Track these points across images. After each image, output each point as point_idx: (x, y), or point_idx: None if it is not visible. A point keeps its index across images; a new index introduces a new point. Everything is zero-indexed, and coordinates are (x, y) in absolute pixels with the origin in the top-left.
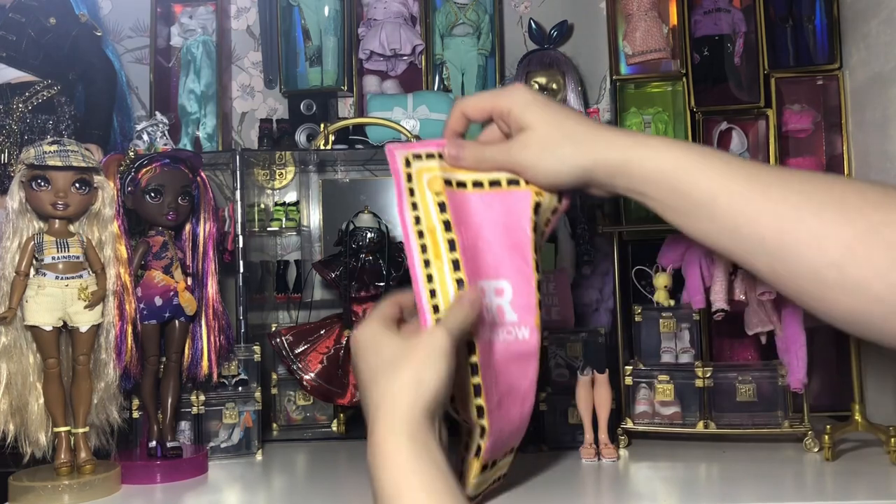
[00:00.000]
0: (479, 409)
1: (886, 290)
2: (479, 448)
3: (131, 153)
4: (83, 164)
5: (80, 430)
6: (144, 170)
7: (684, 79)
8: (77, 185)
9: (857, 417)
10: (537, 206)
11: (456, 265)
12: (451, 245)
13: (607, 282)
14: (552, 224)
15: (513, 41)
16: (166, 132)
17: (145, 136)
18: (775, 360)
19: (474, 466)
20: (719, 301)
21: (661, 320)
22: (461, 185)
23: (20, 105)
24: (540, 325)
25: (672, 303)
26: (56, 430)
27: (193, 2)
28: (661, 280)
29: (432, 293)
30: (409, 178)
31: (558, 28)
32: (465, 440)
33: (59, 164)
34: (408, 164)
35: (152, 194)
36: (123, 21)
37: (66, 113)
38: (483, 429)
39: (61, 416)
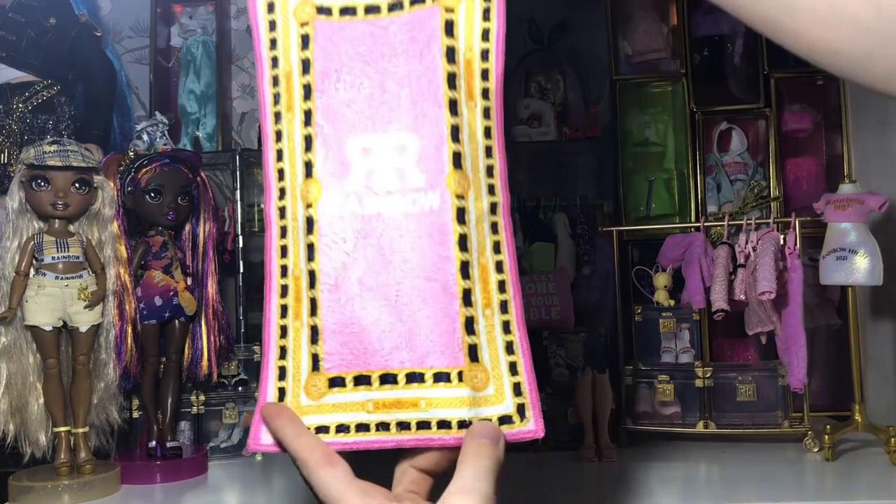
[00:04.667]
0: (313, 303)
1: (877, 21)
2: (316, 357)
3: (131, 153)
4: (83, 164)
5: (80, 430)
6: (144, 170)
7: (684, 79)
8: (77, 184)
9: (858, 417)
10: (449, 26)
11: (307, 118)
12: (307, 91)
13: (607, 282)
14: (496, 54)
15: (513, 41)
16: (166, 132)
17: (145, 136)
18: (775, 360)
19: (316, 383)
20: (719, 301)
21: (661, 320)
22: (347, 11)
23: (20, 105)
24: (461, 186)
25: (672, 303)
26: (56, 430)
27: (193, 2)
28: (661, 280)
29: (279, 155)
30: (271, 7)
31: (558, 28)
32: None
33: (59, 164)
34: None
35: (152, 194)
36: (123, 21)
37: (65, 113)
38: (316, 328)
39: (61, 416)
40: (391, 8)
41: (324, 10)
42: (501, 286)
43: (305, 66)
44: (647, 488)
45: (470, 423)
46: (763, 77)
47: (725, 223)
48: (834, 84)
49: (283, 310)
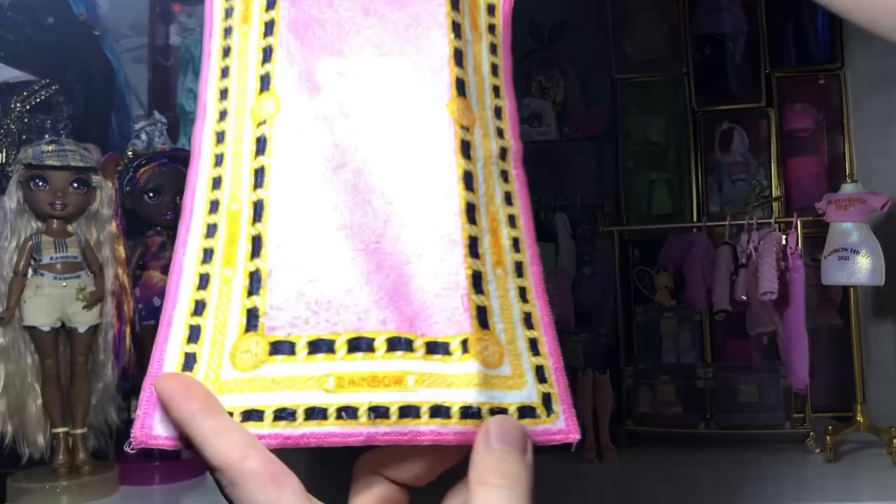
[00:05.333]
0: (256, 241)
1: None
2: (255, 313)
3: (129, 153)
4: (81, 164)
5: (79, 432)
6: (143, 169)
7: (685, 78)
8: (75, 184)
9: (860, 418)
10: None
11: (268, 29)
12: (270, 2)
13: (608, 282)
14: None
15: (513, 40)
16: (165, 132)
17: (143, 136)
18: (777, 360)
19: (249, 348)
20: (721, 301)
21: (662, 321)
22: None
23: (18, 104)
24: (465, 116)
25: (673, 303)
26: (54, 431)
27: (192, 0)
28: (662, 280)
29: (224, 72)
30: None
31: (559, 27)
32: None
33: (57, 163)
34: None
35: (151, 194)
36: (122, 20)
37: (64, 112)
38: (258, 274)
39: (59, 417)
40: None
41: None
42: (515, 244)
43: None
44: (647, 489)
45: (479, 411)
46: (764, 76)
47: (727, 223)
48: (835, 83)
49: (207, 254)
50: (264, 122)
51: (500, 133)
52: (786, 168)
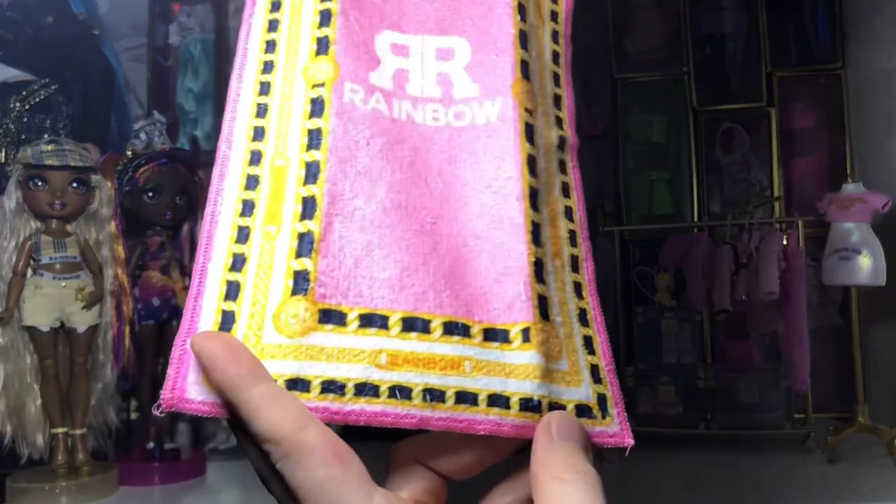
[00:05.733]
0: (309, 203)
1: None
2: (304, 276)
3: (129, 152)
4: (80, 164)
5: (78, 432)
6: (142, 169)
7: (686, 78)
8: (74, 184)
9: (861, 419)
10: None
11: (325, 19)
12: None
13: (608, 282)
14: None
15: None
16: (164, 131)
17: (143, 136)
18: (778, 360)
19: (297, 312)
20: (721, 301)
21: (662, 321)
22: None
23: (17, 104)
24: (529, 100)
25: (674, 303)
26: (53, 431)
27: (192, 0)
28: (663, 280)
29: (271, 25)
30: None
31: None
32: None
33: (56, 163)
34: None
35: (150, 194)
36: (121, 20)
37: (63, 112)
38: (311, 236)
39: (59, 417)
40: None
41: None
42: (572, 237)
43: None
44: (647, 490)
45: (539, 404)
46: (765, 76)
47: (728, 223)
48: (836, 83)
49: (247, 207)
50: (321, 84)
51: (559, 122)
52: (786, 168)
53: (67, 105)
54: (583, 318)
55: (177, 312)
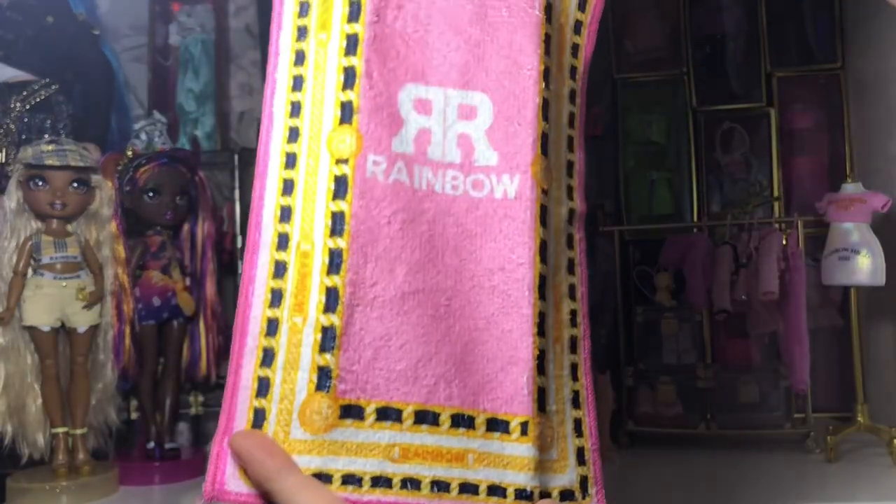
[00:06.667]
0: (331, 294)
1: None
2: (327, 372)
3: (129, 152)
4: (81, 164)
5: (78, 432)
6: (142, 169)
7: (686, 78)
8: (75, 184)
9: (860, 418)
10: None
11: (351, 45)
12: (354, 9)
13: (608, 282)
14: (589, 31)
15: None
16: (164, 131)
17: (143, 136)
18: (777, 360)
19: (321, 410)
20: (721, 301)
21: (662, 321)
22: None
23: (17, 104)
24: (546, 178)
25: (674, 303)
26: (54, 431)
27: (192, 0)
28: (663, 280)
29: (296, 83)
30: None
31: None
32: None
33: (57, 163)
34: None
35: (150, 194)
36: (121, 20)
37: (63, 112)
38: (333, 331)
39: (59, 417)
40: None
41: None
42: (573, 317)
43: None
44: (647, 490)
45: (531, 494)
46: (765, 76)
47: (728, 223)
48: (836, 83)
49: (276, 297)
50: (345, 160)
51: (569, 192)
52: (786, 168)
53: (67, 105)
54: (575, 400)
55: (177, 312)
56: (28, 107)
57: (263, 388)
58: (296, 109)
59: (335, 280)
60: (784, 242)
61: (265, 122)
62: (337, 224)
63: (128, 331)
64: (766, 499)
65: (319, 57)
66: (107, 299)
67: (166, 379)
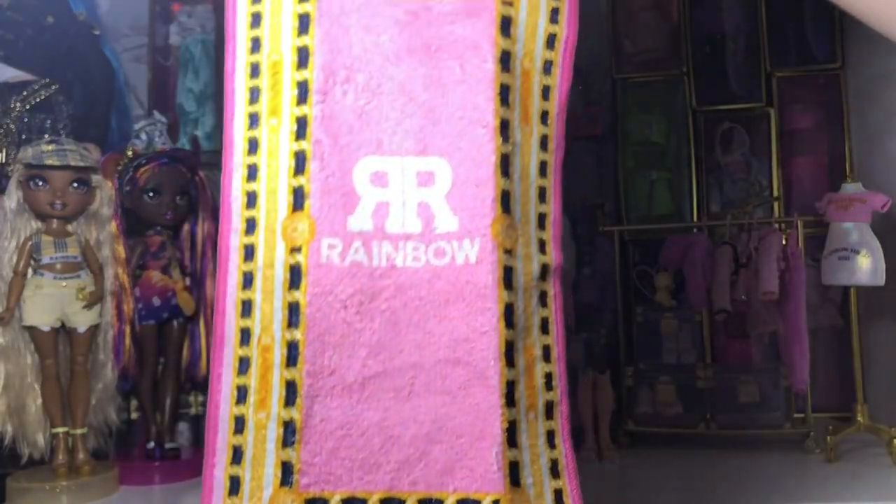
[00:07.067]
0: (290, 387)
1: None
2: (289, 467)
3: (129, 152)
4: (81, 164)
5: (79, 431)
6: (142, 169)
7: (685, 77)
8: (75, 184)
9: (860, 418)
10: (506, 24)
11: (301, 128)
12: (302, 92)
13: (608, 282)
14: (562, 69)
15: None
16: (164, 131)
17: (143, 136)
18: (777, 360)
19: (282, 500)
20: (721, 301)
21: (662, 321)
22: None
23: (18, 104)
24: (509, 237)
25: (673, 303)
26: (54, 431)
27: (192, 0)
28: (663, 280)
29: (251, 172)
30: None
31: None
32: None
33: (57, 163)
34: None
35: (150, 194)
36: (121, 19)
37: (63, 112)
38: (293, 424)
39: (59, 417)
40: None
41: None
42: (548, 381)
43: (303, 58)
44: (647, 490)
45: None
46: (765, 76)
47: (727, 223)
48: (836, 83)
49: (242, 393)
50: (298, 248)
51: (542, 247)
52: (786, 168)
53: (68, 105)
54: (554, 469)
55: (177, 312)
56: (28, 107)
57: (234, 486)
58: (251, 200)
59: (293, 373)
60: (784, 242)
61: (223, 213)
62: (293, 315)
63: (128, 331)
64: (766, 499)
65: (272, 144)
66: (107, 299)
67: (166, 379)
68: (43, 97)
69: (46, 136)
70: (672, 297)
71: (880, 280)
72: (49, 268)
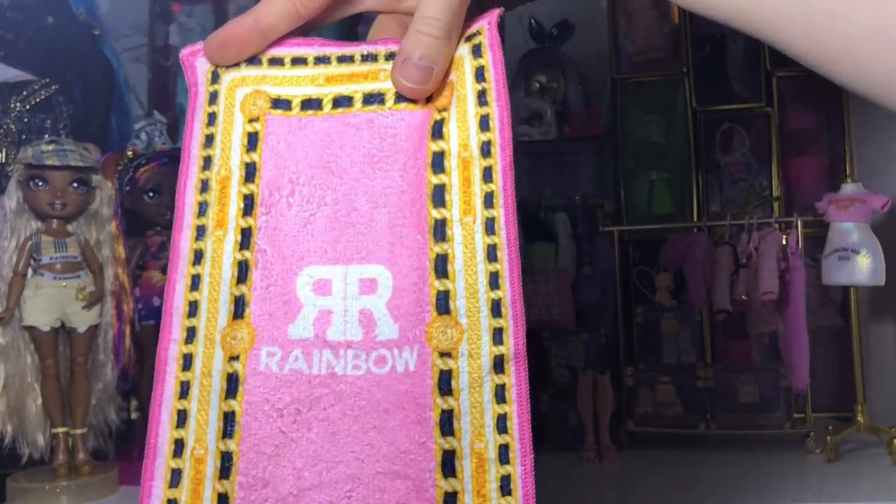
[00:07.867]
0: (222, 501)
1: None
2: None
3: (129, 152)
4: (81, 164)
5: (78, 432)
6: (142, 169)
7: (686, 77)
8: (75, 184)
9: (860, 418)
10: (438, 127)
11: (245, 239)
12: (248, 205)
13: (608, 282)
14: (500, 145)
15: (513, 39)
16: (164, 131)
17: (143, 136)
18: (777, 360)
19: None
20: (721, 301)
21: (662, 321)
22: (311, 105)
23: (18, 104)
24: (447, 338)
25: (673, 303)
26: (54, 431)
27: (192, 0)
28: (663, 280)
29: (194, 282)
30: (214, 98)
31: (559, 26)
32: None
33: (57, 163)
34: (215, 78)
35: (150, 194)
36: (122, 20)
37: (63, 112)
38: None
39: (59, 417)
40: (367, 100)
41: (281, 103)
42: (504, 485)
43: (249, 173)
44: (648, 490)
45: None
46: (765, 76)
47: (727, 223)
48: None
49: None
50: (237, 357)
51: (497, 336)
52: (786, 168)
53: (68, 105)
54: None
55: None
56: (28, 107)
57: None
58: (193, 309)
59: (225, 485)
60: (784, 242)
61: (164, 322)
62: (228, 425)
63: (128, 331)
64: (766, 499)
65: (216, 254)
66: (107, 299)
67: None
68: (43, 97)
69: (46, 136)
70: (672, 297)
71: (880, 280)
72: (49, 268)
